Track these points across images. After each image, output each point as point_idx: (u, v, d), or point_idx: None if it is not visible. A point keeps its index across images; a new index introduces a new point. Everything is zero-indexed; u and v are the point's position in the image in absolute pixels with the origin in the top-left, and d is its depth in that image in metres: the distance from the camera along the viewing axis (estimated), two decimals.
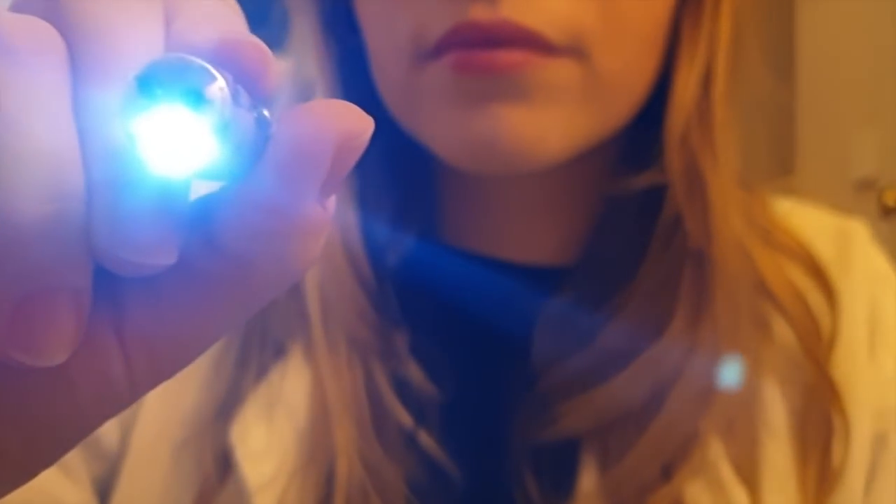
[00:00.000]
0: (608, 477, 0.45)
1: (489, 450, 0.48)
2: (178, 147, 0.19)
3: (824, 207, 0.54)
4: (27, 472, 0.22)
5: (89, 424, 0.22)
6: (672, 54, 0.47)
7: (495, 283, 0.50)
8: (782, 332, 0.49)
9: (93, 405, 0.21)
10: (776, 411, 0.47)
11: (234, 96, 0.19)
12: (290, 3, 0.51)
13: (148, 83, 0.19)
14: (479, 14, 0.42)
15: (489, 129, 0.43)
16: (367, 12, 0.48)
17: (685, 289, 0.46)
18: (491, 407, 0.49)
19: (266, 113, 0.20)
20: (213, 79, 0.19)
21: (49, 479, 0.47)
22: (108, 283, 0.21)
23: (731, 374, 0.46)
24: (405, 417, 0.47)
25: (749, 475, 0.46)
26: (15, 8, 0.21)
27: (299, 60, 0.51)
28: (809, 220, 0.53)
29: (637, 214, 0.48)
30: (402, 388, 0.48)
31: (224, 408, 0.47)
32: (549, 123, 0.44)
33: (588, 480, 0.46)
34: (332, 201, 0.22)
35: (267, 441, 0.46)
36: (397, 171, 0.50)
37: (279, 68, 0.22)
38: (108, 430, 0.48)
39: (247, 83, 0.20)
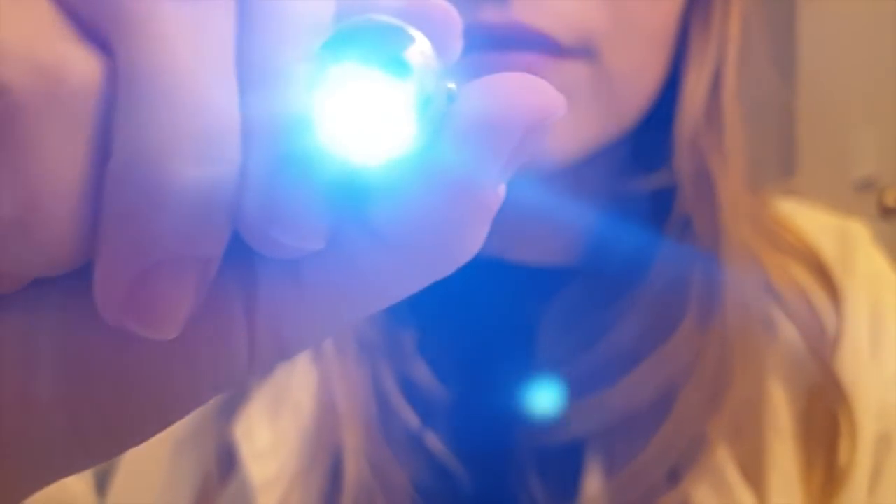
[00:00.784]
0: (614, 481, 0.45)
1: (495, 452, 0.48)
2: (369, 124, 0.16)
3: (824, 208, 0.54)
4: (125, 443, 0.21)
5: (200, 399, 0.20)
6: (681, 55, 0.47)
7: (502, 283, 0.50)
8: (787, 332, 0.48)
9: (208, 379, 0.20)
10: (781, 412, 0.47)
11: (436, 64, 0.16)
12: None
13: (338, 47, 0.16)
14: (490, 15, 0.42)
15: None
16: None
17: (695, 290, 0.46)
18: (497, 408, 0.48)
19: (452, 84, 0.17)
20: (414, 42, 0.16)
21: None
22: (242, 254, 0.19)
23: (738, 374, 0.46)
24: (412, 418, 0.47)
25: (755, 477, 0.46)
26: None
27: None
28: (811, 222, 0.53)
29: (646, 216, 0.48)
30: (409, 389, 0.47)
31: (228, 404, 0.47)
32: (561, 125, 0.43)
33: (593, 484, 0.45)
34: (503, 187, 0.20)
35: (272, 439, 0.46)
36: None
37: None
38: None
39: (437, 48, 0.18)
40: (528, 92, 0.18)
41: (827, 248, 0.51)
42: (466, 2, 0.42)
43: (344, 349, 0.47)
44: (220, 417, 0.47)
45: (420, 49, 0.16)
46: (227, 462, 0.46)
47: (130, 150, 0.17)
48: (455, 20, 0.19)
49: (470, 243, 0.19)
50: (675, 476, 0.45)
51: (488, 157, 0.18)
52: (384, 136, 0.16)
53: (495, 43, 0.42)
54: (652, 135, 0.48)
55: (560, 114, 0.19)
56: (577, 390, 0.46)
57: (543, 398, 0.47)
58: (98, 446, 0.20)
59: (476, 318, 0.50)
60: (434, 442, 0.47)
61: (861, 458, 0.47)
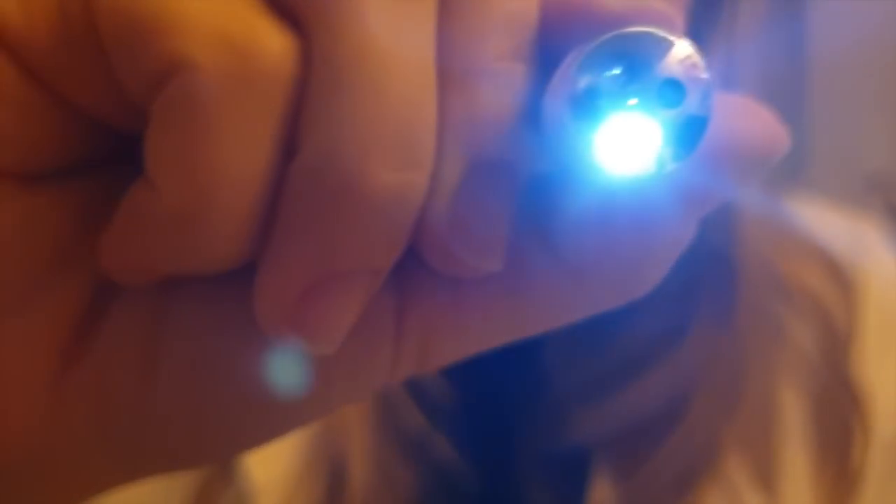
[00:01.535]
0: (622, 488, 0.44)
1: (501, 456, 0.47)
2: (627, 141, 0.14)
3: (834, 208, 0.54)
4: (239, 450, 0.19)
5: (329, 409, 0.19)
6: None
7: None
8: (798, 334, 0.48)
9: (342, 390, 0.18)
10: (793, 416, 0.46)
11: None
12: None
13: (601, 61, 0.14)
14: None
15: None
16: None
17: (706, 292, 0.45)
18: (503, 413, 0.48)
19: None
20: (685, 55, 0.14)
21: None
22: (401, 263, 0.17)
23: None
24: (419, 420, 0.46)
25: (766, 483, 0.45)
26: None
27: None
28: (822, 222, 0.52)
29: None
30: (416, 392, 0.46)
31: None
32: None
33: (600, 492, 0.45)
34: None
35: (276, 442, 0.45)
36: None
37: None
38: None
39: None
40: (765, 123, 0.17)
41: (838, 248, 0.51)
42: None
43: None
44: None
45: (692, 62, 0.14)
46: (228, 463, 0.45)
47: (325, 146, 0.14)
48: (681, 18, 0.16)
49: (657, 274, 0.18)
50: (686, 486, 0.44)
51: (724, 185, 0.17)
52: (638, 154, 0.15)
53: None
54: None
55: (785, 150, 0.17)
56: (586, 396, 0.45)
57: (551, 403, 0.46)
58: (213, 452, 0.19)
59: None
60: (441, 445, 0.46)
61: (875, 461, 0.47)
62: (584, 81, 0.14)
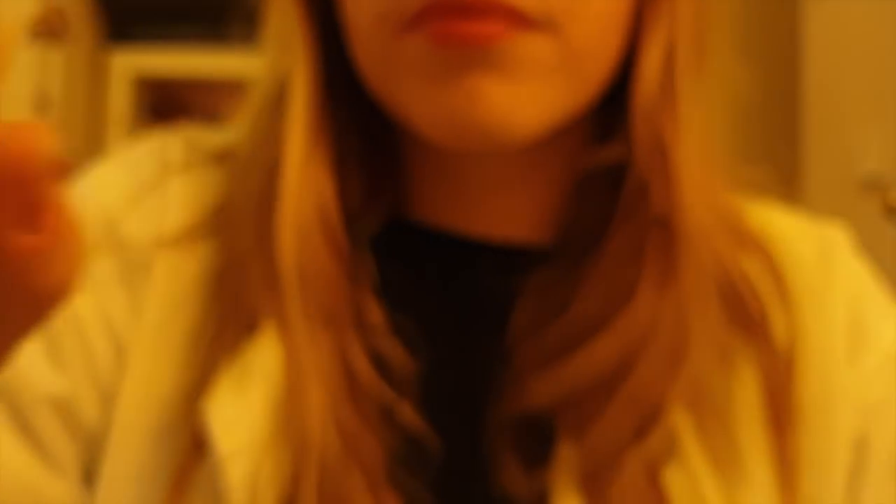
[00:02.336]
0: (583, 444, 0.47)
1: (467, 423, 0.49)
2: None
3: (806, 212, 0.56)
4: None
5: None
6: (638, 30, 0.49)
7: (470, 260, 0.52)
8: (733, 301, 0.50)
9: None
10: (752, 397, 0.49)
11: None
12: None
13: None
14: None
15: (467, 104, 0.44)
16: None
17: (651, 255, 0.48)
18: (468, 381, 0.50)
19: None
20: None
21: (31, 474, 0.48)
22: None
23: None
24: (383, 388, 0.47)
25: (726, 464, 0.47)
26: None
27: (272, 51, 0.52)
28: (791, 226, 0.55)
29: (608, 189, 0.49)
30: (380, 360, 0.48)
31: (199, 386, 0.47)
32: (527, 97, 0.45)
33: (564, 449, 0.47)
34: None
35: (239, 410, 0.46)
36: (372, 147, 0.52)
37: None
38: (89, 415, 0.49)
39: None
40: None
41: (806, 252, 0.53)
42: None
43: (310, 319, 0.48)
44: (192, 400, 0.47)
45: None
46: (200, 440, 0.46)
47: None
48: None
49: None
50: (640, 436, 0.47)
51: None
52: None
53: (463, 11, 0.44)
54: (614, 114, 0.49)
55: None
56: (545, 360, 0.48)
57: (513, 370, 0.48)
58: None
59: (444, 295, 0.51)
60: (406, 412, 0.47)
61: (838, 455, 0.49)
62: None
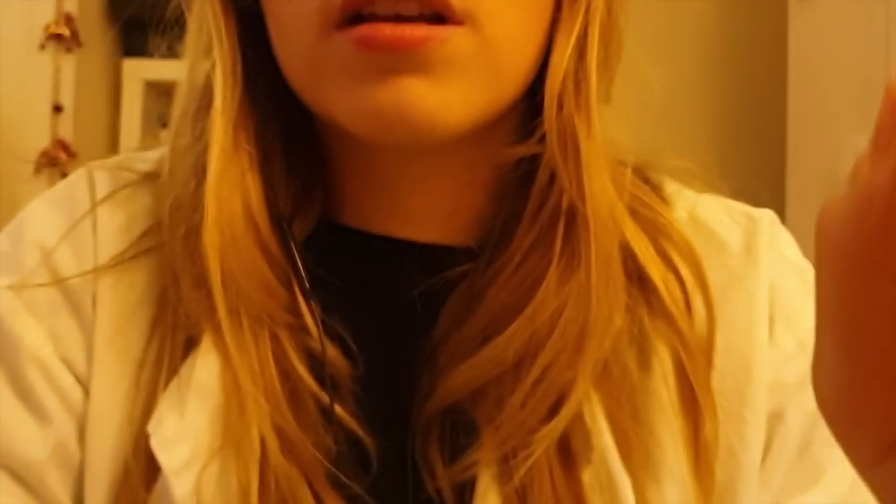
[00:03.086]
0: (498, 432, 0.47)
1: (399, 421, 0.50)
2: None
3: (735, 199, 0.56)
4: None
5: None
6: (554, 25, 0.49)
7: (399, 261, 0.52)
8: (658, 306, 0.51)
9: None
10: (663, 380, 0.50)
11: None
12: None
13: None
14: None
15: (393, 101, 0.45)
16: None
17: (558, 243, 0.48)
18: (398, 380, 0.50)
19: None
20: None
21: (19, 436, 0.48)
22: None
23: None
24: (319, 391, 0.48)
25: (636, 450, 0.48)
26: None
27: (193, 52, 0.51)
28: (719, 212, 0.55)
29: (526, 185, 0.50)
30: (315, 362, 0.49)
31: (147, 409, 0.48)
32: (451, 94, 0.45)
33: (484, 439, 0.48)
34: None
35: (180, 427, 0.47)
36: (299, 149, 0.52)
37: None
38: (79, 452, 0.49)
39: None
40: None
41: (733, 234, 0.54)
42: None
43: (243, 326, 0.48)
44: (140, 424, 0.48)
45: None
46: (149, 463, 0.47)
47: None
48: None
49: None
50: (550, 416, 0.47)
51: None
52: None
53: (388, 13, 0.44)
54: (534, 113, 0.49)
55: None
56: (463, 355, 0.49)
57: (437, 366, 0.50)
58: None
59: (373, 296, 0.52)
60: (343, 413, 0.48)
61: (753, 435, 0.50)
62: None
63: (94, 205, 0.52)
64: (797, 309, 0.53)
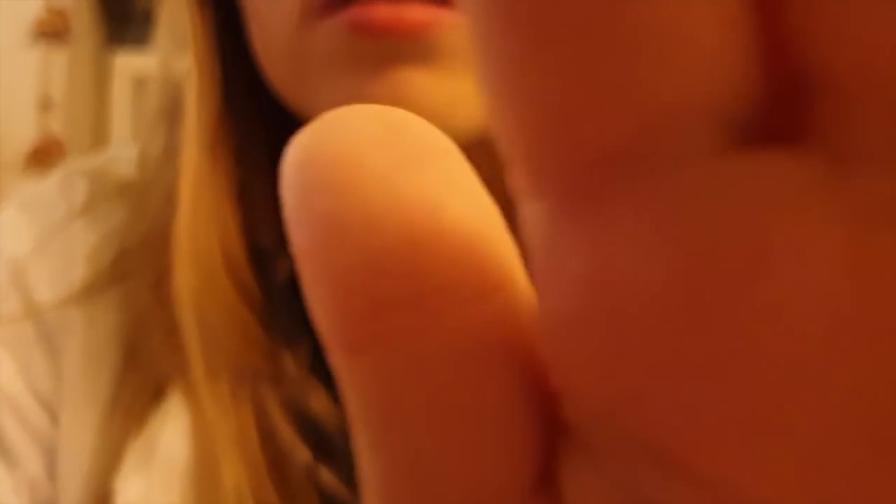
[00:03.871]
0: None
1: None
2: None
3: None
4: None
5: None
6: None
7: None
8: None
9: None
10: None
11: None
12: None
13: None
14: None
15: (392, 95, 0.38)
16: None
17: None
18: None
19: None
20: None
21: None
22: None
23: None
24: (302, 451, 0.42)
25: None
26: None
27: (168, 44, 0.46)
28: None
29: None
30: (300, 416, 0.43)
31: (114, 462, 0.43)
32: (459, 91, 0.38)
33: None
34: None
35: (146, 491, 0.42)
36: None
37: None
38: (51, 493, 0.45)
39: None
40: None
41: None
42: None
43: (219, 380, 0.42)
44: (109, 475, 0.43)
45: None
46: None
47: None
48: None
49: None
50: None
51: None
52: None
53: None
54: None
55: None
56: None
57: None
58: None
59: None
60: (328, 476, 0.42)
61: None
62: None
63: (71, 219, 0.47)
64: None
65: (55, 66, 2.03)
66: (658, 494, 0.10)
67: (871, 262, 0.08)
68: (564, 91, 0.09)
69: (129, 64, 2.12)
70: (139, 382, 0.43)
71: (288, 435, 0.42)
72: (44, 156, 2.00)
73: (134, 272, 0.44)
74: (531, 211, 0.10)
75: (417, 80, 0.38)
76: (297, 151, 0.11)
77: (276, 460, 0.42)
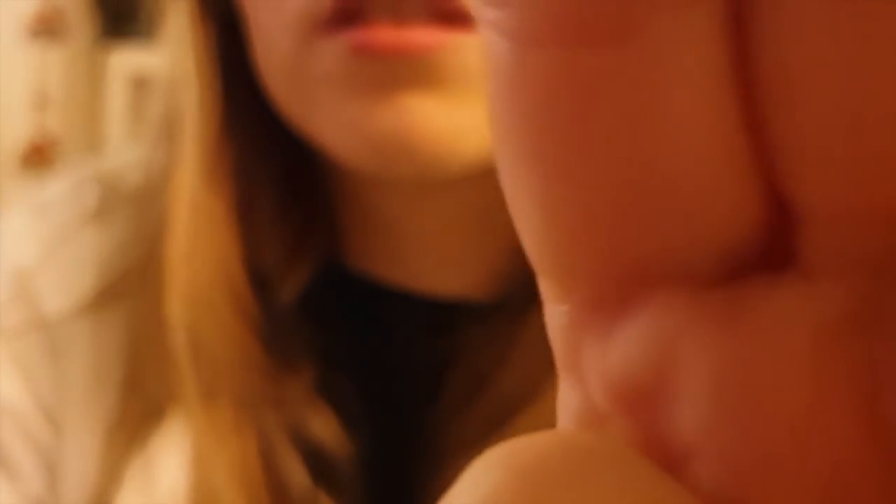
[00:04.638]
0: None
1: None
2: None
3: None
4: None
5: None
6: None
7: (408, 317, 0.45)
8: None
9: None
10: None
11: None
12: None
13: None
14: None
15: (396, 122, 0.37)
16: None
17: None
18: (397, 462, 0.44)
19: None
20: None
21: None
22: None
23: None
24: (303, 476, 0.42)
25: None
26: None
27: (173, 53, 0.45)
28: None
29: None
30: (304, 441, 0.42)
31: (114, 481, 0.43)
32: (465, 117, 0.37)
33: None
34: None
35: None
36: (291, 186, 0.44)
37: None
38: None
39: None
40: None
41: None
42: None
43: (219, 407, 0.41)
44: (109, 495, 0.42)
45: None
46: None
47: None
48: None
49: None
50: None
51: None
52: None
53: (392, 12, 0.37)
54: None
55: None
56: (470, 442, 0.40)
57: (439, 452, 0.42)
58: None
59: (377, 359, 0.45)
60: (328, 503, 0.42)
61: None
62: None
63: (82, 225, 0.46)
64: None
65: (50, 63, 2.03)
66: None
67: (832, 364, 0.09)
68: (577, 227, 0.10)
69: (125, 62, 2.12)
70: (141, 401, 0.43)
71: (289, 460, 0.41)
72: (39, 154, 2.00)
73: (139, 288, 0.44)
74: (554, 312, 0.11)
75: (421, 105, 0.37)
76: None
77: (276, 486, 0.41)
